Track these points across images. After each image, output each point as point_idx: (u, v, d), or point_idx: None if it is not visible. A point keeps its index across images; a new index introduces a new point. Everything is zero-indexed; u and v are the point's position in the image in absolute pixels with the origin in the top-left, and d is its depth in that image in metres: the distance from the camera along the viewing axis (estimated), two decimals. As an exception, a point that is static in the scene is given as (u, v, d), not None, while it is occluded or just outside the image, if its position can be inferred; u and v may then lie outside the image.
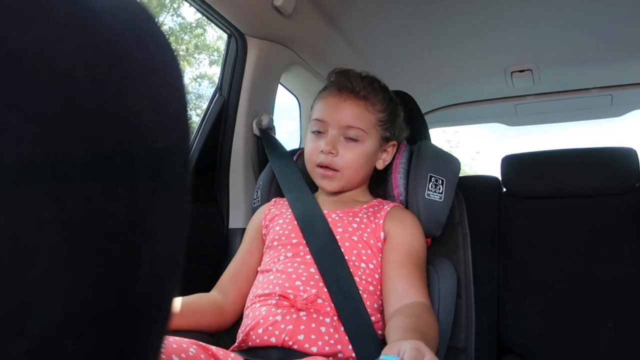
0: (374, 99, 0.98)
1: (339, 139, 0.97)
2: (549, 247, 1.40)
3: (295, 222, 0.96)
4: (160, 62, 0.22)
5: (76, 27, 0.19)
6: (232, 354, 0.79)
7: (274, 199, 1.08)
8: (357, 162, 0.97)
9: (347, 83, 0.98)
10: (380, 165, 1.03)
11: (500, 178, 1.54)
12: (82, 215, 0.18)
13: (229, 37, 1.31)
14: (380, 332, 0.86)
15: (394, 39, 1.58)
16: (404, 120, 1.08)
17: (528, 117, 2.27)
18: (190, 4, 1.16)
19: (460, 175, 1.09)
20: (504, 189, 1.55)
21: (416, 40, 1.61)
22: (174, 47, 0.24)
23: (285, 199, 1.05)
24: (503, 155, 1.54)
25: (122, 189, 0.19)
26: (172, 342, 0.72)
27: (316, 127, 1.00)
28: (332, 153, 0.96)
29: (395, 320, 0.78)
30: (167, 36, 0.24)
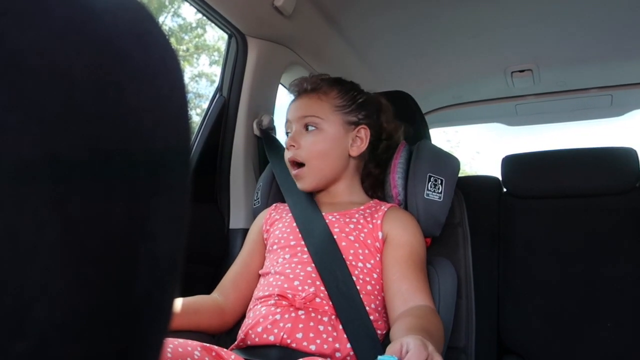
0: (326, 89, 1.03)
1: (301, 132, 1.01)
2: (549, 247, 1.40)
3: (294, 225, 0.97)
4: (161, 62, 0.22)
5: (76, 27, 0.19)
6: (233, 355, 0.80)
7: (274, 204, 1.09)
8: (318, 149, 0.99)
9: (298, 85, 1.05)
10: (354, 152, 1.02)
11: (500, 178, 1.54)
12: (81, 215, 0.18)
13: (230, 37, 1.31)
14: (379, 331, 0.86)
15: (394, 39, 1.58)
16: (392, 116, 1.10)
17: (528, 117, 2.26)
18: (191, 4, 1.16)
19: (461, 175, 1.09)
20: (504, 189, 1.55)
21: (416, 41, 1.61)
22: (174, 47, 0.24)
23: (286, 203, 1.06)
24: (503, 155, 1.54)
25: (122, 189, 0.19)
26: (177, 346, 0.73)
27: (286, 130, 1.06)
28: (293, 146, 1.00)
29: (402, 321, 0.78)
30: (167, 36, 0.24)
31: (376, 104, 1.08)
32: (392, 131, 1.08)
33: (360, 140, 1.03)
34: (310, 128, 1.00)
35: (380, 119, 1.07)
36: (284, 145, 1.24)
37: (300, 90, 1.05)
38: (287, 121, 1.05)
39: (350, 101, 1.03)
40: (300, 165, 1.00)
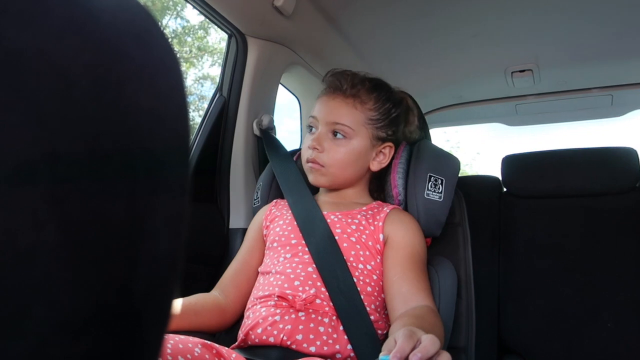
0: (364, 97, 0.99)
1: (327, 135, 0.98)
2: (549, 247, 1.40)
3: (295, 223, 0.97)
4: (160, 61, 0.22)
5: (75, 26, 0.19)
6: (234, 354, 0.80)
7: (274, 200, 1.09)
8: (343, 160, 0.97)
9: (337, 82, 1.00)
10: (374, 167, 1.02)
11: (500, 178, 1.54)
12: (80, 215, 0.18)
13: (230, 37, 1.32)
14: (379, 332, 0.86)
15: (394, 39, 1.58)
16: (417, 122, 1.09)
17: (528, 117, 2.26)
18: (191, 4, 1.16)
19: (461, 175, 1.09)
20: (505, 189, 1.55)
21: (416, 41, 1.61)
22: (174, 47, 0.24)
23: (286, 200, 1.05)
24: (503, 155, 1.54)
25: (121, 189, 0.19)
26: (178, 342, 0.73)
27: (309, 123, 1.02)
28: (317, 149, 0.97)
29: (398, 322, 0.78)
30: (166, 35, 0.24)
31: (406, 115, 1.07)
32: (410, 137, 1.09)
33: (384, 156, 1.02)
34: (338, 135, 0.97)
35: (405, 130, 1.07)
36: (284, 146, 1.24)
37: (338, 90, 0.99)
38: (314, 117, 1.00)
39: (384, 115, 1.00)
40: (319, 164, 0.99)
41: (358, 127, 0.98)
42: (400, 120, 1.04)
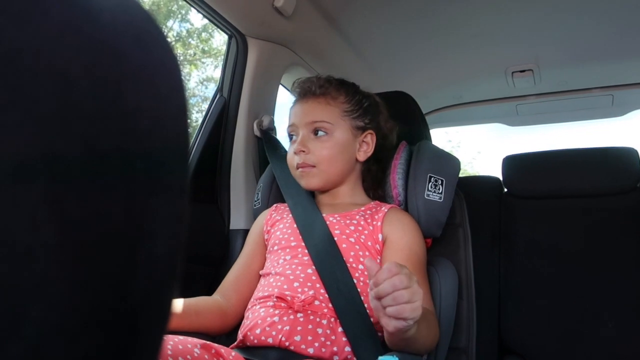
0: (334, 93, 1.02)
1: (309, 136, 1.00)
2: (550, 247, 1.40)
3: (295, 226, 0.97)
4: (160, 62, 0.22)
5: (74, 26, 0.19)
6: (233, 353, 0.80)
7: (275, 205, 1.09)
8: (330, 155, 0.99)
9: (305, 87, 1.03)
10: (361, 157, 1.03)
11: (501, 178, 1.54)
12: (79, 215, 0.18)
13: (230, 38, 1.32)
14: (380, 333, 0.86)
15: (394, 39, 1.58)
16: (388, 116, 1.10)
17: (529, 117, 2.26)
18: (191, 5, 1.16)
19: (462, 175, 1.09)
20: (505, 189, 1.55)
21: (417, 41, 1.61)
22: (174, 48, 0.24)
23: (286, 203, 1.06)
24: (504, 156, 1.54)
25: (119, 189, 0.19)
26: (177, 343, 0.73)
27: (289, 132, 1.05)
28: (303, 151, 0.99)
29: None
30: (166, 36, 0.24)
31: (377, 106, 1.08)
32: (388, 132, 1.08)
33: (367, 145, 1.04)
34: (319, 133, 0.99)
35: (380, 121, 1.08)
36: (284, 146, 1.24)
37: (308, 93, 1.03)
38: (292, 125, 1.03)
39: (357, 106, 1.03)
40: (309, 166, 1.00)
41: (336, 120, 1.00)
42: (373, 109, 1.06)
